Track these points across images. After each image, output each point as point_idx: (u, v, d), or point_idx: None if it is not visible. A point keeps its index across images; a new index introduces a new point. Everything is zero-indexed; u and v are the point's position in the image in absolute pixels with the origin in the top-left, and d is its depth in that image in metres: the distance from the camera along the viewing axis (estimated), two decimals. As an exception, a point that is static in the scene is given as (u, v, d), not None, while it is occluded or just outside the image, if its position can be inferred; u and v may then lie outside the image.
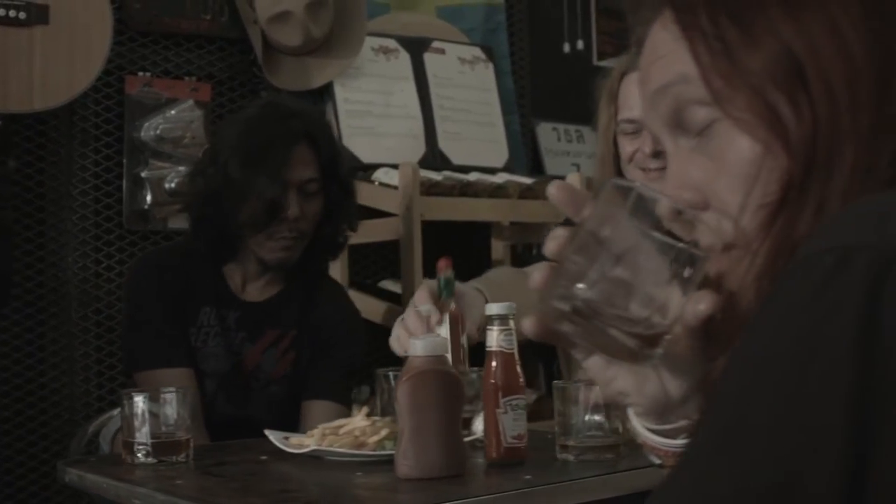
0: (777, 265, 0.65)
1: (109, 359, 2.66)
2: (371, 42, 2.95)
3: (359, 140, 2.87)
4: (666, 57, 0.72)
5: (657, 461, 0.81)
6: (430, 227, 2.76)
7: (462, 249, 3.19)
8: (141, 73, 2.74)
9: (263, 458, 1.65)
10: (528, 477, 1.44)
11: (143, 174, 2.71)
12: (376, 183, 2.78)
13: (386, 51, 2.98)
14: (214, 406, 2.22)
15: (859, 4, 0.66)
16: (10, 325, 2.59)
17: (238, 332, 2.21)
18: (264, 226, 2.12)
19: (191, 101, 2.76)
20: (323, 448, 1.59)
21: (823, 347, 0.53)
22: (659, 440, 0.79)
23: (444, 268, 1.66)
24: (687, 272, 0.67)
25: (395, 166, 2.74)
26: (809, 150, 0.65)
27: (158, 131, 2.71)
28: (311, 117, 2.24)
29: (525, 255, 3.28)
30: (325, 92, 2.90)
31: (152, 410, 1.65)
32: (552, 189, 0.73)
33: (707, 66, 0.69)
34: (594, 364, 0.76)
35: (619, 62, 2.06)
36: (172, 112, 2.74)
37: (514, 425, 1.54)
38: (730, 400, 0.57)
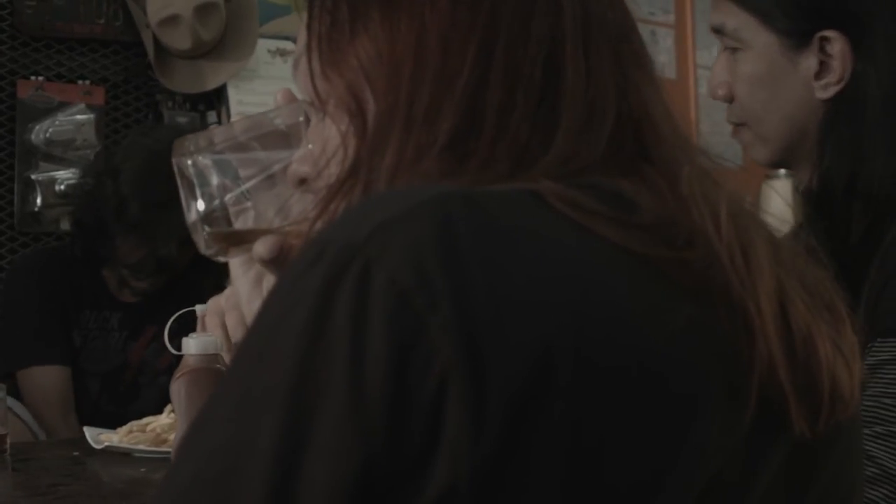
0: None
1: None
2: (267, 44, 2.98)
3: (253, 141, 2.90)
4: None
5: None
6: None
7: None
8: (33, 78, 2.78)
9: (76, 453, 1.69)
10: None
11: (33, 177, 2.75)
12: (269, 184, 2.82)
13: (283, 53, 3.01)
14: (99, 406, 2.27)
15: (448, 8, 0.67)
16: None
17: (121, 332, 2.27)
18: (134, 266, 2.19)
19: (83, 105, 2.80)
20: (120, 445, 1.63)
21: (277, 339, 0.55)
22: None
23: None
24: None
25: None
26: (367, 139, 0.67)
27: (48, 134, 2.75)
28: None
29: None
30: (220, 94, 2.93)
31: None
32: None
33: (313, 47, 0.70)
34: (233, 260, 0.83)
35: None
36: (64, 115, 2.78)
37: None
38: (219, 384, 0.60)
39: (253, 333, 0.58)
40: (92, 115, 2.81)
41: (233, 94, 2.92)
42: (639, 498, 0.56)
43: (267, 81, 2.98)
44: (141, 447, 1.62)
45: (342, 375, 0.52)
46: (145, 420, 1.72)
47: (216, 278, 2.37)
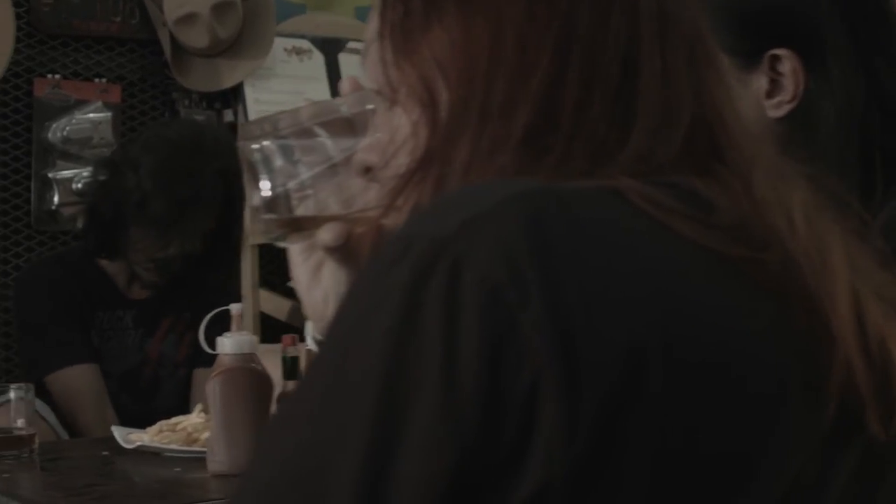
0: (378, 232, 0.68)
1: (17, 357, 2.70)
2: (283, 43, 2.97)
3: (269, 140, 2.90)
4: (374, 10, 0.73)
5: None
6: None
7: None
8: (50, 76, 2.77)
9: (105, 453, 1.68)
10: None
11: (50, 175, 2.74)
12: (286, 182, 2.81)
13: (299, 51, 3.01)
14: (119, 405, 2.26)
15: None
16: (-83, 324, 2.64)
17: (136, 330, 2.27)
18: (152, 258, 2.18)
19: (99, 103, 2.79)
20: (152, 444, 1.62)
21: (365, 337, 0.54)
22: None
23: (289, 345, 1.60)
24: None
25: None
26: (439, 130, 0.66)
27: (66, 132, 2.74)
28: (233, 162, 2.31)
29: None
30: (236, 92, 2.92)
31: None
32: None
33: (386, 36, 0.70)
34: (293, 246, 0.83)
35: None
36: (81, 114, 2.78)
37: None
38: (298, 384, 0.60)
39: (336, 329, 0.58)
40: (109, 114, 2.80)
41: (249, 93, 2.91)
42: (721, 498, 0.56)
43: (283, 80, 2.98)
44: (173, 446, 1.61)
45: (435, 372, 0.52)
46: (175, 419, 1.71)
47: (223, 270, 2.37)
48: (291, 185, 0.80)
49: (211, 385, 1.48)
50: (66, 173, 2.75)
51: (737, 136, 0.68)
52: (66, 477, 1.53)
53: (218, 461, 1.46)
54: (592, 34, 0.65)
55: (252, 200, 0.81)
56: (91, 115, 2.78)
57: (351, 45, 3.12)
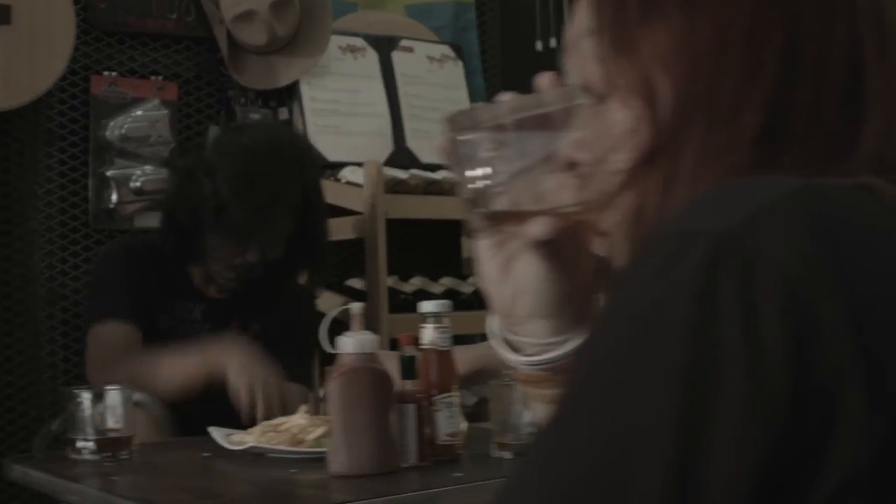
0: (625, 228, 0.68)
1: (76, 357, 2.67)
2: (338, 41, 2.96)
3: (325, 138, 2.88)
4: (582, 5, 0.73)
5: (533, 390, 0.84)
6: (398, 226, 2.77)
7: (431, 248, 3.20)
8: (107, 73, 2.75)
9: (206, 454, 1.66)
10: (458, 474, 1.46)
11: (108, 173, 2.72)
12: (342, 181, 2.80)
13: (353, 49, 2.99)
14: (178, 404, 2.23)
15: None
16: (-24, 324, 2.61)
17: (204, 325, 2.24)
18: (231, 266, 2.17)
19: (157, 101, 2.77)
20: (261, 445, 1.60)
21: (658, 333, 0.54)
22: (523, 359, 0.83)
23: (406, 344, 1.58)
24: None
25: (361, 164, 2.76)
26: (662, 128, 0.66)
27: (124, 130, 2.72)
28: (316, 170, 2.32)
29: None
30: (292, 90, 2.90)
31: (97, 407, 1.67)
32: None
33: (604, 31, 0.70)
34: (481, 240, 0.84)
35: None
36: (138, 111, 2.75)
37: (447, 423, 1.55)
38: (575, 380, 0.59)
39: (613, 326, 0.58)
40: (166, 111, 2.78)
41: (305, 91, 2.89)
42: None
43: (338, 78, 2.96)
44: (281, 447, 1.59)
45: (740, 369, 0.52)
46: (277, 420, 1.69)
47: (297, 273, 2.35)
48: (490, 177, 0.79)
49: (333, 386, 1.46)
50: (124, 172, 2.72)
51: None
52: (182, 479, 1.51)
53: (339, 462, 1.44)
54: (817, 37, 0.65)
55: (462, 194, 0.80)
56: (149, 112, 2.75)
57: (404, 42, 3.11)
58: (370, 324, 2.65)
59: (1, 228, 2.65)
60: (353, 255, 3.09)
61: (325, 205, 2.33)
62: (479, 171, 0.79)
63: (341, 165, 2.84)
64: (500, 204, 0.80)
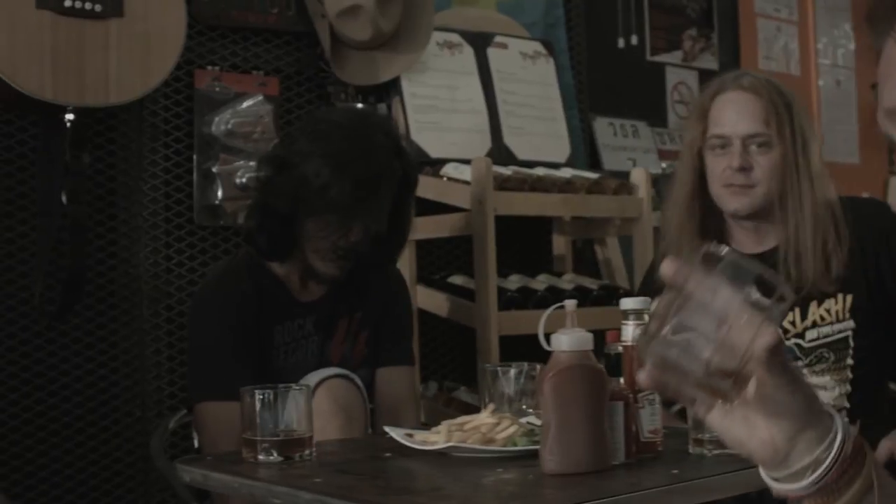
0: None
1: (180, 356, 2.64)
2: (435, 37, 2.93)
3: (426, 135, 2.86)
4: None
5: None
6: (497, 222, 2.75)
7: (524, 244, 3.18)
8: (209, 68, 2.71)
9: (388, 454, 1.63)
10: (674, 471, 1.43)
11: (213, 169, 2.68)
12: (445, 178, 2.77)
13: (450, 45, 2.97)
14: None
15: None
16: (81, 322, 2.57)
17: (317, 334, 2.20)
18: (335, 247, 2.12)
19: (261, 96, 2.74)
20: (462, 445, 1.57)
21: None
22: (784, 487, 0.83)
23: (612, 341, 1.56)
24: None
25: (464, 161, 2.73)
26: None
27: (230, 126, 2.69)
28: (411, 160, 2.28)
29: (585, 250, 3.27)
30: (390, 86, 2.88)
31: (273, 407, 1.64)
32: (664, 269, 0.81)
33: None
34: (712, 418, 0.84)
35: (712, 83, 2.14)
36: (243, 106, 2.72)
37: (649, 420, 1.54)
38: None
39: None
40: (270, 107, 2.75)
41: (406, 87, 2.86)
42: None
43: (436, 74, 2.94)
44: (476, 446, 1.57)
45: None
46: (460, 419, 1.67)
47: (393, 254, 2.31)
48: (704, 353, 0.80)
49: (548, 383, 1.43)
50: (229, 167, 2.69)
51: None
52: (386, 480, 1.48)
53: (555, 461, 1.42)
54: None
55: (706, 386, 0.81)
56: (254, 107, 2.72)
57: (498, 39, 3.09)
58: (479, 323, 2.63)
59: (105, 225, 2.61)
60: (451, 252, 3.07)
61: (417, 184, 2.29)
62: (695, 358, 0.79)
63: (442, 162, 2.81)
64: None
